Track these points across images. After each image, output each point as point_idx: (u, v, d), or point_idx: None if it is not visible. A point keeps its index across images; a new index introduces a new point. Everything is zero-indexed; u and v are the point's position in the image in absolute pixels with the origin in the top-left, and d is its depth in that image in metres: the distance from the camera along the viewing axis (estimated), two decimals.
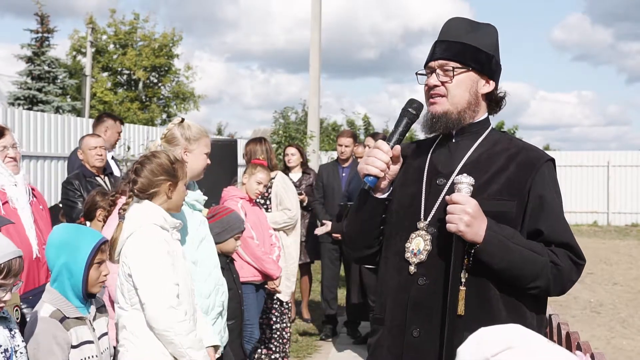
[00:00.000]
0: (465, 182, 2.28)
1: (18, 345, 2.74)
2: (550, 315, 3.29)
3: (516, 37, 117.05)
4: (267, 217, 6.40)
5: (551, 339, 3.19)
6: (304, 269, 8.75)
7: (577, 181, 22.98)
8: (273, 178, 6.73)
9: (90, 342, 3.00)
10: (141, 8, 78.42)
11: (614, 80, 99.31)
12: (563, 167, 23.03)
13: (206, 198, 3.93)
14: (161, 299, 3.16)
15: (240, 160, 8.33)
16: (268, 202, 6.80)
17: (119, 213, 3.39)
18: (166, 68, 35.31)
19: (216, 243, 4.59)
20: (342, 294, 8.90)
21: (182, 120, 3.80)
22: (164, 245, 3.26)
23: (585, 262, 2.42)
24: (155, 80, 35.99)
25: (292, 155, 8.46)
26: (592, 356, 2.51)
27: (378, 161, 2.40)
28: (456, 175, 2.39)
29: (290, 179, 8.23)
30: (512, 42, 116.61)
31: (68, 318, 2.94)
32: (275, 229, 6.56)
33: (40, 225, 4.28)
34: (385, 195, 2.51)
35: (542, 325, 2.50)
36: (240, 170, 8.67)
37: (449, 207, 2.27)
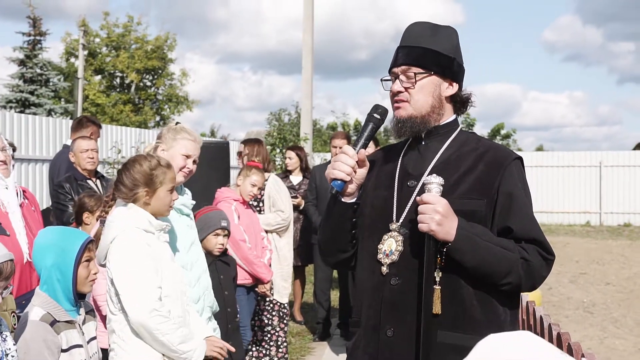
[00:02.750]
0: (435, 182, 2.32)
1: (9, 349, 2.73)
2: (541, 316, 3.30)
3: (508, 39, 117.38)
4: (261, 219, 6.39)
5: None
6: (297, 272, 8.75)
7: (569, 181, 23.02)
8: (266, 180, 6.72)
9: (80, 346, 2.99)
10: (132, 9, 78.24)
11: (605, 80, 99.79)
12: (555, 168, 23.10)
13: (194, 202, 3.93)
14: (143, 304, 3.17)
15: (232, 162, 8.31)
16: (261, 204, 6.79)
17: (101, 218, 3.38)
18: (160, 71, 35.30)
19: None
20: (335, 295, 8.90)
21: (177, 123, 3.87)
22: (146, 249, 3.26)
23: (554, 257, 2.47)
24: (149, 83, 35.96)
25: (290, 160, 8.48)
26: (582, 356, 2.52)
27: (344, 165, 2.45)
28: (426, 177, 2.45)
29: (290, 182, 8.26)
30: (503, 43, 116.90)
31: (58, 322, 2.94)
32: (268, 231, 6.55)
33: (32, 227, 4.26)
34: (353, 200, 2.55)
35: (516, 321, 2.53)
36: (232, 172, 8.66)
37: (420, 207, 2.31)
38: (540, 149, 48.85)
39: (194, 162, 3.82)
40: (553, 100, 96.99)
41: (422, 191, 2.41)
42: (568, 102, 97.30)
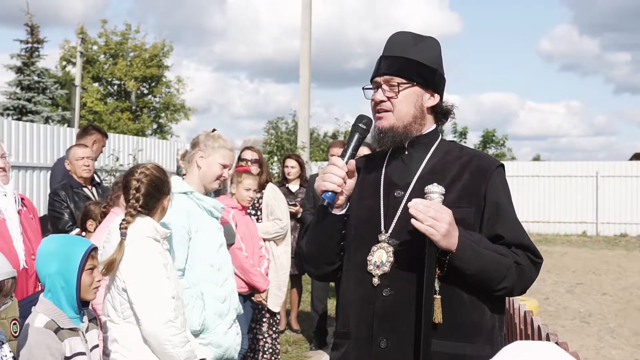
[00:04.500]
0: (436, 192, 2.31)
1: (5, 356, 2.73)
2: (539, 326, 3.30)
3: (504, 48, 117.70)
4: (259, 228, 6.38)
5: None
6: (294, 281, 8.74)
7: (566, 191, 23.06)
8: (263, 188, 6.73)
9: (83, 353, 2.99)
10: (129, 17, 78.33)
11: (602, 90, 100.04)
12: (552, 178, 23.13)
13: (223, 206, 4.00)
14: (159, 314, 3.17)
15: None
16: (259, 213, 6.79)
17: (120, 230, 3.33)
18: (157, 79, 35.34)
19: None
20: (332, 304, 8.89)
21: (214, 130, 3.92)
22: (160, 258, 3.26)
23: (542, 260, 2.50)
24: (146, 91, 36.00)
25: (292, 168, 8.44)
26: None
27: (334, 177, 2.44)
28: (413, 187, 2.48)
29: (289, 189, 8.26)
30: (500, 52, 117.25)
31: (62, 329, 2.94)
32: (266, 239, 6.55)
33: (29, 234, 4.26)
34: (343, 212, 2.54)
35: (503, 327, 2.55)
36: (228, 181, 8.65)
37: (427, 215, 2.28)
38: (537, 158, 48.96)
39: (229, 170, 3.93)
40: (549, 110, 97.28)
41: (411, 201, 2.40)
42: (564, 111, 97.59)
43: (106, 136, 7.09)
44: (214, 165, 3.82)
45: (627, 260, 16.18)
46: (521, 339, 3.74)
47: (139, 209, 3.31)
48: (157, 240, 3.30)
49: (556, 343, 2.90)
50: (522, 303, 4.11)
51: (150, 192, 3.31)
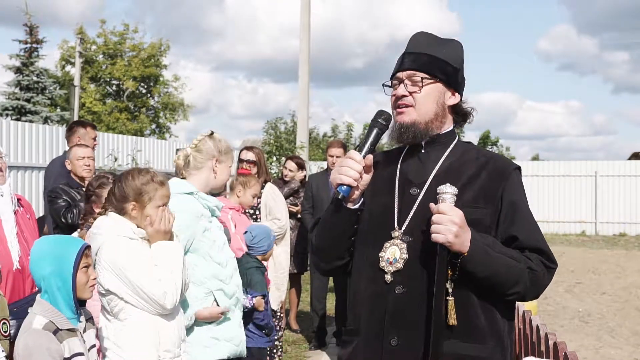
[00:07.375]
0: (449, 192, 2.28)
1: None
2: (537, 326, 3.30)
3: (503, 47, 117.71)
4: None
5: (539, 349, 3.20)
6: (293, 280, 8.73)
7: (565, 191, 23.08)
8: (262, 188, 6.73)
9: (81, 354, 2.99)
10: (127, 17, 78.27)
11: (600, 90, 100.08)
12: (551, 177, 23.14)
13: (223, 205, 4.02)
14: (169, 290, 3.22)
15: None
16: (257, 212, 6.79)
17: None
18: (155, 79, 35.35)
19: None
20: (331, 304, 8.89)
21: (212, 132, 3.93)
22: (135, 245, 3.28)
23: (556, 266, 2.48)
24: (144, 91, 36.00)
25: (291, 172, 8.47)
26: None
27: (351, 170, 2.42)
28: (429, 185, 2.46)
29: (291, 188, 8.28)
30: (499, 52, 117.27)
31: (61, 330, 2.93)
32: None
33: (26, 235, 4.24)
34: (357, 206, 2.52)
35: (512, 331, 2.54)
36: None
37: (435, 217, 2.27)
38: (536, 158, 48.99)
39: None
40: (548, 109, 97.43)
41: (426, 199, 2.40)
42: (563, 111, 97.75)
43: (92, 127, 6.97)
44: (227, 170, 3.89)
45: (626, 260, 16.19)
46: (520, 338, 3.74)
47: (110, 206, 3.37)
48: (135, 239, 3.30)
49: (555, 343, 2.90)
50: (521, 303, 4.10)
51: (122, 193, 3.35)
